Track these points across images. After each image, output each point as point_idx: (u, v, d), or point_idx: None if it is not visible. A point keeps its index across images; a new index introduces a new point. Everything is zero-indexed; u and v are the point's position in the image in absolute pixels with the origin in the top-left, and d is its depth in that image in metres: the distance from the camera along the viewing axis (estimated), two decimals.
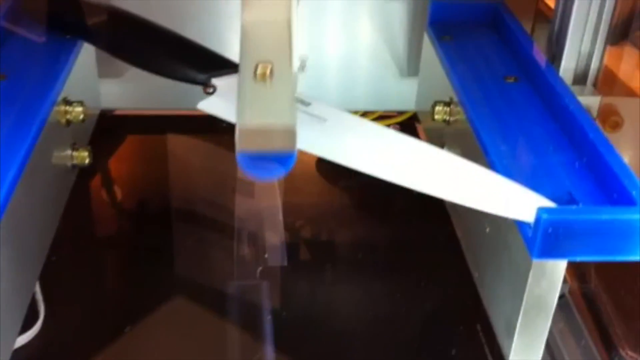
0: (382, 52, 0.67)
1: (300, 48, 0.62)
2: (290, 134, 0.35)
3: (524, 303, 0.39)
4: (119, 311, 0.53)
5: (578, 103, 0.46)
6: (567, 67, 0.54)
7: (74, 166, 0.53)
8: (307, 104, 0.45)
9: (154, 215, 0.65)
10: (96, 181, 0.68)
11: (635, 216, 0.36)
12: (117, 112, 0.73)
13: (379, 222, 0.66)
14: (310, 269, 0.61)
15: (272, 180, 0.36)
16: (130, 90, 0.66)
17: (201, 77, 0.48)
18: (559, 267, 0.38)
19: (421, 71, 0.64)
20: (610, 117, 0.54)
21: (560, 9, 0.54)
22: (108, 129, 0.72)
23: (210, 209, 0.67)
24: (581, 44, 0.54)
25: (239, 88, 0.40)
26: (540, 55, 0.52)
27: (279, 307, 0.55)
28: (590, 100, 0.53)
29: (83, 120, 0.51)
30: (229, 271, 0.59)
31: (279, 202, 0.69)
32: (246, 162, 0.35)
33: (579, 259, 0.37)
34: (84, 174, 0.62)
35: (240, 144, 0.35)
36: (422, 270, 0.57)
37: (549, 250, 0.36)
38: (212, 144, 0.73)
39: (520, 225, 0.38)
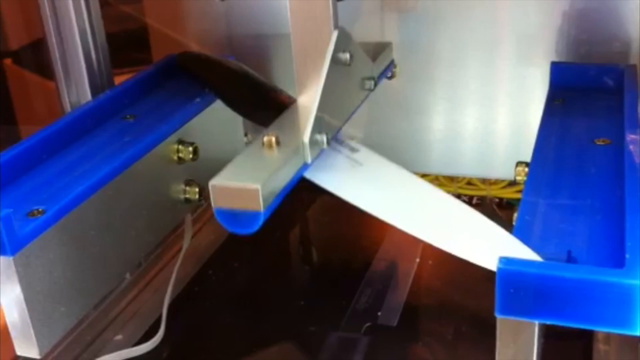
0: (520, 119, 0.65)
1: None
2: (254, 195, 0.39)
3: None
4: (228, 346, 0.60)
5: (635, 167, 0.42)
6: None
7: (187, 200, 0.59)
8: (356, 150, 0.47)
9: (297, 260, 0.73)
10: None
11: (613, 279, 0.32)
12: None
13: None
14: (418, 335, 0.61)
15: (246, 234, 0.40)
16: None
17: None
18: (528, 330, 0.35)
19: None
20: None
21: None
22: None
23: (349, 260, 0.73)
24: None
25: (243, 150, 0.44)
26: (634, 119, 0.48)
27: None
28: None
29: (194, 160, 0.58)
30: (338, 320, 0.62)
31: (414, 266, 0.70)
32: (221, 216, 0.40)
33: (550, 322, 0.34)
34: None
35: (214, 200, 0.40)
36: None
37: (511, 307, 0.34)
38: None
39: None
